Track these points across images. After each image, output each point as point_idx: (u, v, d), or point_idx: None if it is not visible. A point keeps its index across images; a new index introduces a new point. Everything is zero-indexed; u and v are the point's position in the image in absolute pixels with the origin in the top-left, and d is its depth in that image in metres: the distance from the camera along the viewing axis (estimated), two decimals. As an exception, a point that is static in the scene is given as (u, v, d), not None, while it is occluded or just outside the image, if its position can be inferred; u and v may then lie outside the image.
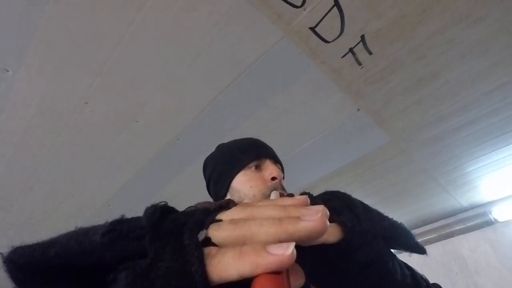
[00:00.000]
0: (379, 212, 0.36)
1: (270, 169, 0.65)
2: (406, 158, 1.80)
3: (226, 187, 0.66)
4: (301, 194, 0.31)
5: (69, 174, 1.50)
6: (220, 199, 0.66)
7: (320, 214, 0.22)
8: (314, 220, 0.21)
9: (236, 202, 0.51)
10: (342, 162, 1.80)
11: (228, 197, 0.66)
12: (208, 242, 0.22)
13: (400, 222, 0.37)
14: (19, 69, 1.02)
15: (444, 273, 2.53)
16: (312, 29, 1.04)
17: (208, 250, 0.21)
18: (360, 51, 1.15)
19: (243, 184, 0.63)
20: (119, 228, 0.23)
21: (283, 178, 0.67)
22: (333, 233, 0.28)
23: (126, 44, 1.01)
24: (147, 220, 0.23)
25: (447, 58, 1.23)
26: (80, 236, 0.24)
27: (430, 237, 2.73)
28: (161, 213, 0.24)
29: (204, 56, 1.09)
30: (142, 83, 1.15)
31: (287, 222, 0.21)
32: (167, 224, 0.23)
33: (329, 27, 1.04)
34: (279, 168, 0.67)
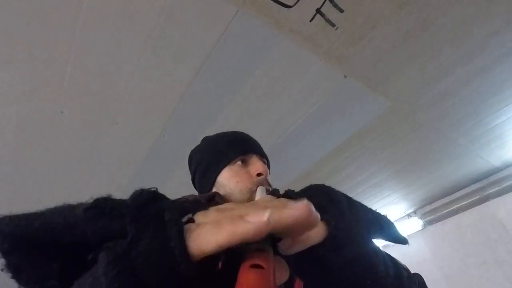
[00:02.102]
0: (362, 204, 0.37)
1: (256, 165, 0.64)
2: (413, 122, 1.64)
3: (212, 181, 0.66)
4: (285, 191, 0.32)
5: (52, 185, 1.53)
6: (205, 193, 0.66)
7: (305, 202, 0.22)
8: (299, 207, 0.22)
9: (222, 195, 0.60)
10: (342, 137, 1.68)
11: (213, 191, 0.66)
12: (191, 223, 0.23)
13: (384, 214, 0.38)
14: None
15: (482, 241, 2.32)
16: (267, -5, 0.95)
17: (188, 226, 0.22)
18: (329, 10, 1.04)
19: (229, 179, 0.63)
20: (103, 205, 0.23)
21: (269, 173, 0.67)
22: (318, 232, 0.28)
23: (79, 46, 0.99)
24: (131, 200, 0.24)
25: (435, 0, 1.07)
26: (64, 210, 0.24)
27: (463, 203, 2.51)
28: (148, 197, 0.24)
29: (161, 48, 1.05)
30: (111, 83, 1.14)
31: (273, 210, 0.21)
32: (151, 207, 0.23)
33: (285, -11, 0.95)
34: (265, 163, 0.68)
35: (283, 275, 0.24)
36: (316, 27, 1.08)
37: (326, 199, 0.33)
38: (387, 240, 0.38)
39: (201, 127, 1.40)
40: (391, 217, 2.49)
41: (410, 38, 1.19)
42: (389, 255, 0.37)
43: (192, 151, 0.77)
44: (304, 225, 0.23)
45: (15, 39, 0.94)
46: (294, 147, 1.67)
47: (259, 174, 0.63)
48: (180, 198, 0.52)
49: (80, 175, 1.48)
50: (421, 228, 2.75)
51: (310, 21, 1.06)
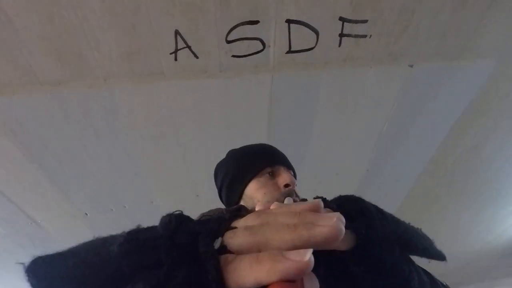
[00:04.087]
0: (394, 216, 0.35)
1: (283, 176, 0.64)
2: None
3: (239, 194, 0.66)
4: (315, 199, 0.31)
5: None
6: (232, 206, 0.67)
7: (335, 219, 0.21)
8: (329, 225, 0.21)
9: (248, 208, 0.58)
10: (452, 119, 1.46)
11: (241, 203, 0.66)
12: (224, 249, 0.22)
13: (417, 228, 0.36)
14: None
15: None
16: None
17: (224, 257, 0.21)
18: (353, 28, 1.07)
19: (257, 191, 0.63)
20: (136, 238, 0.24)
21: (296, 184, 0.67)
22: (347, 240, 0.28)
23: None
24: (162, 229, 0.24)
25: None
26: (98, 247, 0.25)
27: None
28: (176, 222, 0.24)
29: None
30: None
31: (302, 228, 0.21)
32: (182, 233, 0.23)
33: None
34: (291, 174, 0.67)
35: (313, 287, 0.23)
36: (348, 47, 1.12)
37: (356, 208, 0.32)
38: (421, 256, 0.36)
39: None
40: None
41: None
42: (425, 270, 0.36)
43: (217, 165, 0.76)
44: (334, 242, 0.22)
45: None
46: (410, 144, 1.57)
47: (286, 185, 0.62)
48: (204, 215, 0.54)
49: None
50: None
51: (339, 46, 1.11)
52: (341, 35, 1.08)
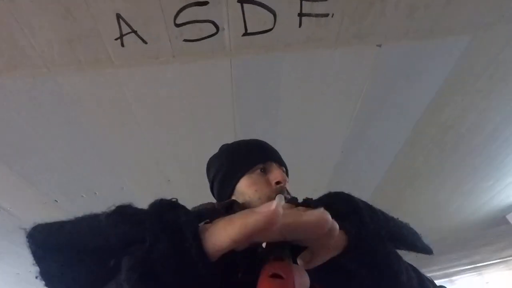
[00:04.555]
0: (383, 212, 0.36)
1: (275, 173, 0.64)
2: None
3: (231, 189, 0.66)
4: (304, 200, 0.33)
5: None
6: (223, 201, 0.67)
7: (322, 210, 0.23)
8: (316, 214, 0.22)
9: (240, 203, 0.60)
10: (427, 98, 1.43)
11: (232, 199, 0.66)
12: None
13: (406, 223, 0.37)
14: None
15: None
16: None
17: (202, 225, 0.22)
18: (313, 6, 0.99)
19: (248, 187, 0.63)
20: (124, 212, 0.24)
21: (288, 181, 0.67)
22: (337, 244, 0.28)
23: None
24: (151, 207, 0.25)
25: None
26: (90, 217, 0.26)
27: None
28: (166, 205, 0.25)
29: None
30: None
31: (288, 216, 0.22)
32: (169, 214, 0.24)
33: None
34: (283, 171, 0.67)
35: (303, 284, 0.23)
36: (309, 28, 1.05)
37: (346, 207, 0.32)
38: (410, 250, 0.36)
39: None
40: None
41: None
42: (412, 266, 0.37)
43: (210, 159, 0.76)
44: (321, 233, 0.22)
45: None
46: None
47: (278, 183, 0.63)
48: (197, 206, 0.55)
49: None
50: None
51: (299, 27, 1.04)
52: (300, 14, 1.01)
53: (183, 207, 0.26)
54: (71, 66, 0.97)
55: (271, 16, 0.99)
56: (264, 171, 0.65)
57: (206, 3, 0.92)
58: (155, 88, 1.11)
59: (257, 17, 0.98)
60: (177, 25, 0.95)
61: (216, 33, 0.99)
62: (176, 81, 1.11)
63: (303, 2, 0.97)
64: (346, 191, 0.36)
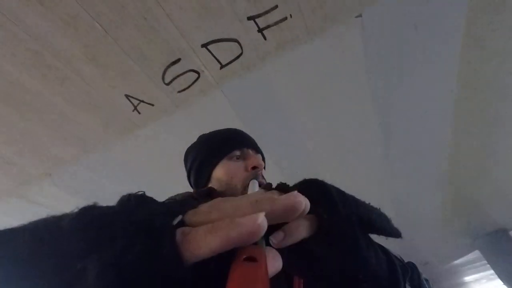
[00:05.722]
0: (355, 197, 0.36)
1: (251, 159, 0.65)
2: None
3: (207, 176, 0.66)
4: (278, 184, 0.32)
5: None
6: (200, 189, 0.67)
7: (295, 193, 0.23)
8: (291, 197, 0.22)
9: (218, 191, 0.60)
10: (456, 35, 1.21)
11: (209, 186, 0.66)
12: (183, 226, 0.22)
13: (377, 207, 0.38)
14: None
15: None
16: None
17: (180, 230, 0.21)
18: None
19: (224, 173, 0.63)
20: (90, 214, 0.21)
21: (264, 167, 0.68)
22: (309, 226, 0.29)
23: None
24: (119, 206, 0.23)
25: None
26: (49, 223, 0.22)
27: None
28: (136, 201, 0.23)
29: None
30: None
31: (264, 203, 0.22)
32: (141, 211, 0.22)
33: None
34: (260, 158, 0.68)
35: (276, 266, 0.23)
36: (275, 35, 1.09)
37: (318, 192, 0.33)
38: (380, 234, 0.37)
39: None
40: None
41: None
42: (381, 246, 0.38)
43: (187, 149, 0.76)
44: (297, 215, 0.23)
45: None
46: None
47: (254, 168, 0.63)
48: (168, 199, 0.53)
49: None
50: None
51: (265, 40, 1.09)
52: (260, 30, 1.06)
53: (154, 202, 0.24)
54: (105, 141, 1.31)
55: (235, 44, 1.09)
56: (241, 158, 0.66)
57: (179, 60, 1.09)
58: (173, 137, 1.36)
59: (223, 50, 1.10)
60: (167, 84, 1.16)
61: (199, 77, 1.16)
62: (189, 125, 1.33)
63: (256, 19, 1.03)
64: None
